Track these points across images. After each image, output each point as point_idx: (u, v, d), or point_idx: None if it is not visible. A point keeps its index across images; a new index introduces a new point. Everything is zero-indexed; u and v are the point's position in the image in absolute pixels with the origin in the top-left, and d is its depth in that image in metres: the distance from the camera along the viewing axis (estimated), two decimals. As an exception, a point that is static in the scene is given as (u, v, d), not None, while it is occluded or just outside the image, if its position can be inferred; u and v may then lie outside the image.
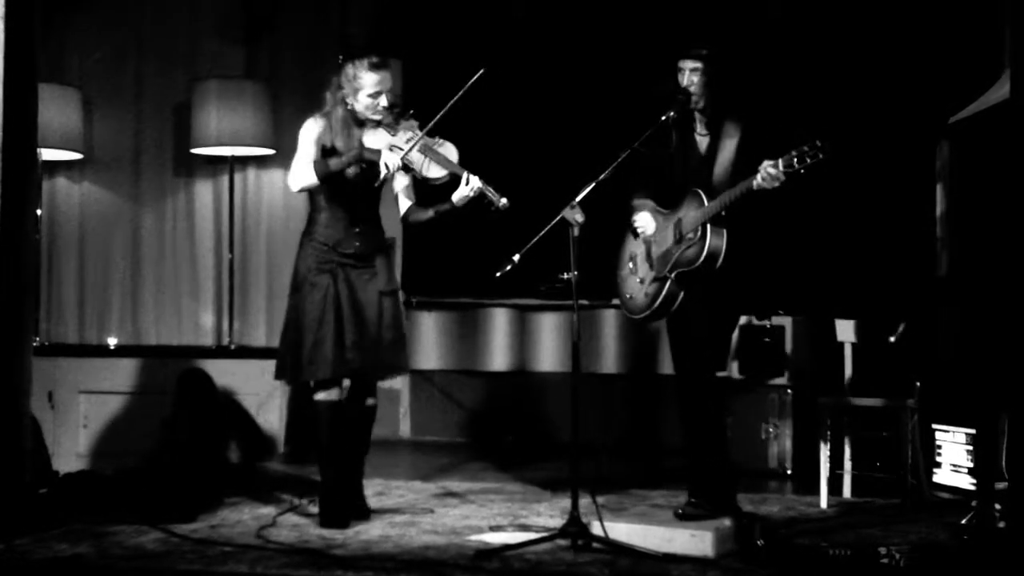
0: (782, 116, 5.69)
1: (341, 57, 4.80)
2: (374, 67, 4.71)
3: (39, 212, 7.08)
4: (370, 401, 5.01)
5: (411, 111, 4.82)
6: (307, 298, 4.82)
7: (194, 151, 7.27)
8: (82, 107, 7.27)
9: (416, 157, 4.70)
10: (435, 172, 4.73)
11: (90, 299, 7.67)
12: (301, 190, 4.80)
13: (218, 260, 7.59)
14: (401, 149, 4.69)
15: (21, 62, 4.80)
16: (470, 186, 4.68)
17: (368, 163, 4.74)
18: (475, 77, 4.53)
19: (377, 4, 7.64)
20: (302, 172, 4.74)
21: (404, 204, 5.00)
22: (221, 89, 7.07)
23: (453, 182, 4.74)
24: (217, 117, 7.03)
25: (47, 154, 7.07)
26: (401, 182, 4.95)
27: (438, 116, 4.67)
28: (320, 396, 4.87)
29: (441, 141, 4.78)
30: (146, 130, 7.66)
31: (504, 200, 4.66)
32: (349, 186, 4.81)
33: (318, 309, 4.79)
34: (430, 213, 4.86)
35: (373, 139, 4.77)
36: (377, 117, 4.76)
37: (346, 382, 4.94)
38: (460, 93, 4.57)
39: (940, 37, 6.36)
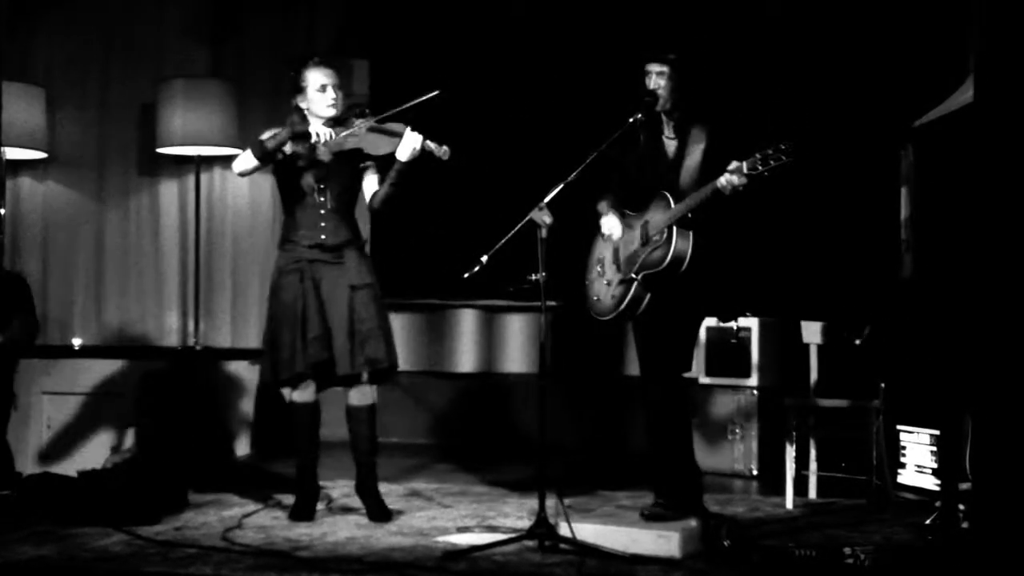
0: (749, 120, 5.72)
1: (292, 73, 4.99)
2: (316, 65, 4.94)
3: (2, 211, 7.01)
4: (362, 400, 4.98)
5: (367, 110, 4.95)
6: (277, 301, 4.92)
7: (160, 151, 7.22)
8: (47, 106, 7.21)
9: (358, 134, 4.84)
10: (382, 143, 4.85)
11: (54, 299, 7.61)
12: (242, 173, 4.91)
13: (183, 260, 7.55)
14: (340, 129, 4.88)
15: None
16: (411, 139, 4.78)
17: (302, 135, 4.85)
18: (427, 96, 4.72)
19: (343, 4, 7.62)
20: (243, 155, 4.87)
21: (368, 194, 5.04)
22: (187, 89, 7.03)
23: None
24: (183, 117, 6.99)
25: (11, 153, 7.01)
26: (368, 180, 5.02)
27: (383, 115, 4.86)
28: (294, 396, 4.96)
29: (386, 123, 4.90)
30: (111, 129, 7.61)
31: (445, 148, 4.79)
32: (305, 182, 4.89)
33: (287, 310, 4.88)
34: (387, 185, 4.93)
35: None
36: (332, 112, 4.89)
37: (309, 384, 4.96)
38: (408, 104, 4.77)
39: (905, 41, 6.41)
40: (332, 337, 4.86)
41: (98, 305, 7.61)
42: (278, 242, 5.04)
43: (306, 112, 4.92)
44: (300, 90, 4.92)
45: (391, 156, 4.84)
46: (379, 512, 4.97)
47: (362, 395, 4.98)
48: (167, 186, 7.61)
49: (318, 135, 4.84)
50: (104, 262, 7.62)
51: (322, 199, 4.91)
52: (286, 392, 5.00)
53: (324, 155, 4.88)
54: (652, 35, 6.48)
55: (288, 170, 4.90)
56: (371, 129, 4.85)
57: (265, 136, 4.90)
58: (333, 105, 4.90)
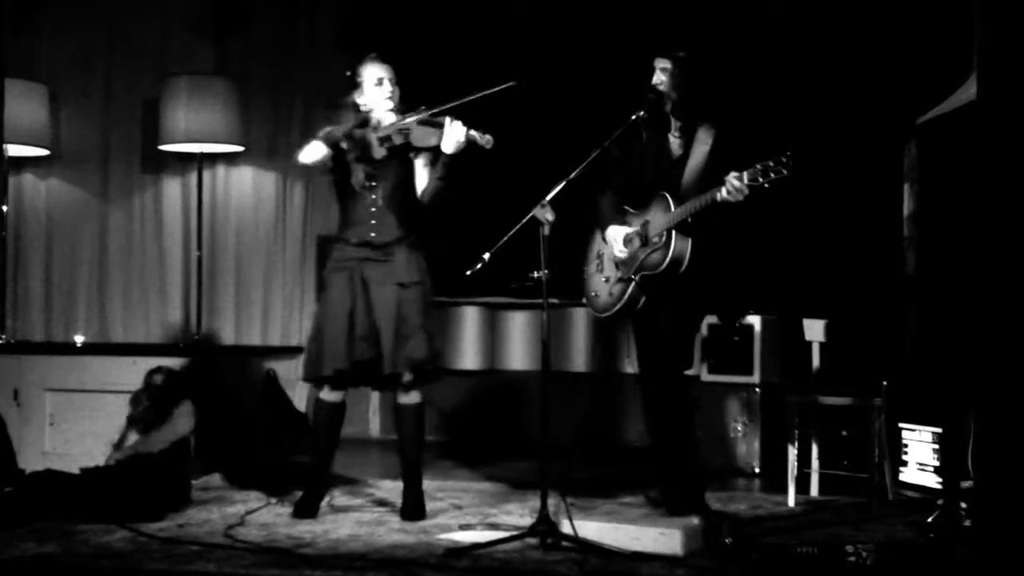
0: (754, 120, 5.70)
1: (349, 72, 5.01)
2: (372, 60, 4.98)
3: (5, 209, 7.02)
4: (408, 399, 4.97)
5: (422, 106, 4.91)
6: (325, 297, 4.93)
7: (163, 148, 7.23)
8: (49, 103, 7.22)
9: (409, 126, 4.82)
10: (428, 135, 4.82)
11: (57, 296, 7.62)
12: (307, 163, 4.86)
13: (186, 258, 7.56)
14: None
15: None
16: (455, 130, 4.75)
17: (361, 124, 4.86)
18: (503, 86, 4.71)
19: (348, 1, 7.61)
20: (310, 145, 4.85)
21: (419, 187, 5.01)
22: (191, 85, 7.03)
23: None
24: (187, 114, 7.00)
25: (13, 150, 7.02)
26: (419, 170, 4.99)
27: (447, 106, 4.81)
28: (322, 394, 4.96)
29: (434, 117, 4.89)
30: (115, 126, 7.62)
31: (488, 136, 4.77)
32: (355, 178, 4.88)
33: (333, 307, 4.86)
34: (434, 178, 4.91)
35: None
36: (389, 104, 4.92)
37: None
38: (480, 94, 4.73)
39: (909, 38, 6.40)
40: (380, 336, 4.83)
41: (101, 302, 7.62)
42: (333, 237, 5.05)
43: (362, 107, 4.93)
44: (356, 86, 4.94)
45: (439, 148, 4.82)
46: (411, 511, 4.91)
47: (408, 394, 4.97)
48: (170, 183, 7.62)
49: (379, 122, 4.85)
50: (107, 259, 7.63)
51: (373, 196, 4.90)
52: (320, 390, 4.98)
53: (377, 153, 4.86)
54: (656, 33, 6.46)
55: (341, 166, 4.89)
56: (420, 122, 4.83)
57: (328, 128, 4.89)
58: (390, 98, 4.91)
